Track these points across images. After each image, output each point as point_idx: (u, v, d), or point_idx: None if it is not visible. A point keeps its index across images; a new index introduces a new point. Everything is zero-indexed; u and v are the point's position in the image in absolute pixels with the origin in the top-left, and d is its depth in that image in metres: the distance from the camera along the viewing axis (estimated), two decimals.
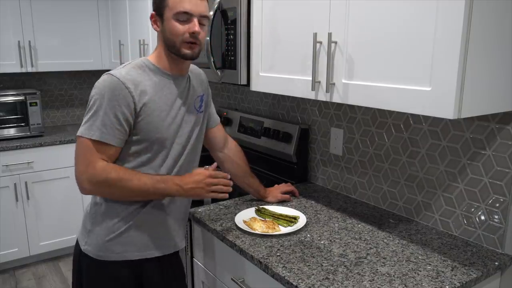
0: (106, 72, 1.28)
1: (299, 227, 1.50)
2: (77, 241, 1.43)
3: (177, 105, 1.36)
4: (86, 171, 1.24)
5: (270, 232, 1.46)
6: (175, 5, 1.25)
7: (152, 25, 1.34)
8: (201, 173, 1.31)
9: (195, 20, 1.28)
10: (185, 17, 1.26)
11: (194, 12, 1.27)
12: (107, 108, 1.23)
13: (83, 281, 1.40)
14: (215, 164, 1.38)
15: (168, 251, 1.44)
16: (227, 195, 1.35)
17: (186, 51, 1.30)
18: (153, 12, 1.32)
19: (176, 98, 1.36)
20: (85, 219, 1.41)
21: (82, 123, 1.27)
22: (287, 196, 1.79)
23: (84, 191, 1.27)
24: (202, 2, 1.29)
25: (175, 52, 1.31)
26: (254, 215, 1.60)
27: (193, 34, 1.28)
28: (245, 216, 1.58)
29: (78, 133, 1.26)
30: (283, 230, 1.48)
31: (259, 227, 1.48)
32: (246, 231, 1.47)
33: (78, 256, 1.40)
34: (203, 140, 1.55)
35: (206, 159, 1.76)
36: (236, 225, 1.52)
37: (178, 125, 1.36)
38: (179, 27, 1.27)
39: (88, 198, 1.44)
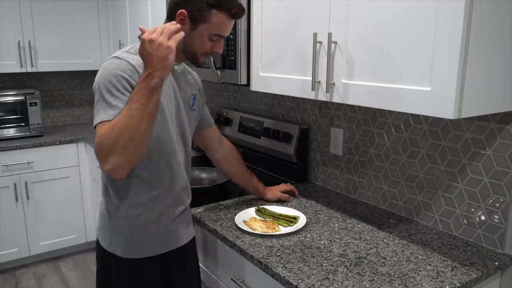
0: (113, 56, 1.25)
1: (299, 227, 1.50)
2: (97, 241, 1.44)
3: (173, 97, 1.36)
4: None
5: (270, 232, 1.46)
6: (215, 27, 1.27)
7: (177, 21, 1.26)
8: (142, 41, 1.13)
9: (222, 41, 1.33)
10: (216, 38, 1.30)
11: (226, 35, 1.32)
12: (121, 86, 1.18)
13: (112, 279, 1.41)
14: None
15: (187, 239, 1.48)
16: (178, 25, 1.16)
17: (202, 61, 1.35)
18: (185, 11, 1.25)
19: (171, 90, 1.36)
20: (103, 221, 1.42)
21: (97, 113, 1.19)
22: (286, 195, 1.79)
23: (113, 173, 1.15)
24: None
25: (189, 57, 1.34)
26: (254, 215, 1.60)
27: (216, 52, 1.33)
28: (245, 216, 1.58)
29: (97, 122, 1.17)
30: (283, 230, 1.48)
31: (259, 227, 1.48)
32: (246, 231, 1.47)
33: (102, 255, 1.42)
34: (199, 141, 1.65)
35: (203, 159, 1.76)
36: (236, 225, 1.52)
37: (175, 117, 1.37)
38: (209, 44, 1.30)
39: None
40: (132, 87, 1.19)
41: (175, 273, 1.47)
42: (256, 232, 1.46)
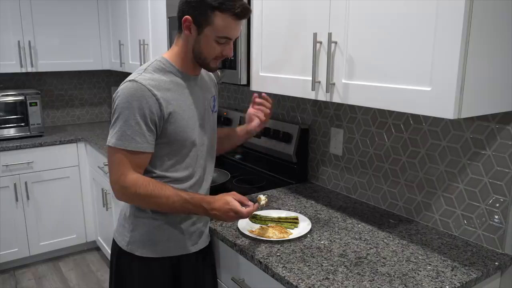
0: (129, 79, 1.27)
1: (307, 228, 1.48)
2: (114, 241, 1.46)
3: (197, 106, 1.38)
4: (118, 181, 1.27)
5: (286, 237, 1.42)
6: (220, 29, 1.25)
7: (184, 29, 1.28)
8: (228, 203, 1.29)
9: (231, 44, 1.31)
10: (224, 40, 1.28)
11: (234, 38, 1.29)
12: (137, 116, 1.23)
13: (127, 278, 1.43)
14: (250, 204, 1.33)
15: (201, 246, 1.48)
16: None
17: (213, 66, 1.34)
18: (189, 17, 1.26)
19: (196, 99, 1.38)
20: (123, 220, 1.44)
21: (111, 133, 1.27)
22: (262, 107, 1.56)
23: (117, 198, 1.32)
24: (241, 26, 1.32)
25: (201, 63, 1.33)
26: (250, 223, 1.54)
27: (226, 56, 1.32)
28: (248, 226, 1.51)
29: (110, 144, 1.26)
30: (295, 233, 1.46)
31: (273, 234, 1.44)
32: (262, 240, 1.42)
33: (118, 254, 1.43)
34: None
35: None
36: (247, 235, 1.45)
37: (201, 126, 1.39)
38: (217, 48, 1.29)
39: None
40: (146, 112, 1.24)
41: (185, 279, 1.46)
42: (273, 239, 1.41)
